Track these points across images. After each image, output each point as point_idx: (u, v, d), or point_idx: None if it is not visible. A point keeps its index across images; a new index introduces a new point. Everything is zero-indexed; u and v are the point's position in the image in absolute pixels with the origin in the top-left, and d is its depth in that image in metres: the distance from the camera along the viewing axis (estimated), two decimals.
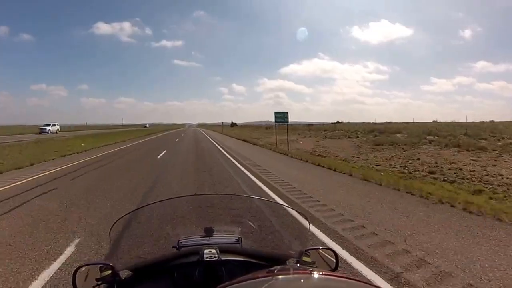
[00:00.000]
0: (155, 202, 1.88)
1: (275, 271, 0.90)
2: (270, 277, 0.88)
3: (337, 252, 1.41)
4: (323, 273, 0.93)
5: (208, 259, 1.23)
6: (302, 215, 2.54)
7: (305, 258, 1.34)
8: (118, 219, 1.53)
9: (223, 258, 1.25)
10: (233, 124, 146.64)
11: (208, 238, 1.43)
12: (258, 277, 0.90)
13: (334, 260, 1.39)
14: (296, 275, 0.90)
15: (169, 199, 1.79)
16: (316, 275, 0.91)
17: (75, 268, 1.23)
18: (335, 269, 1.36)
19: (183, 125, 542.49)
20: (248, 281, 0.90)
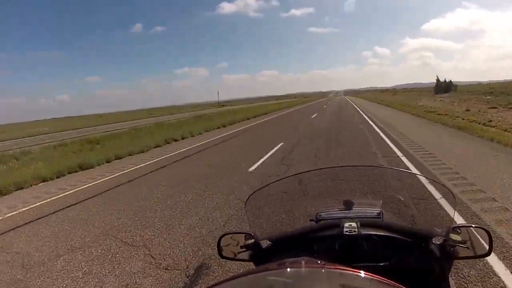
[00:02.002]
0: (291, 176, 1.76)
1: (286, 264, 0.89)
2: (281, 270, 0.88)
3: (491, 232, 1.19)
4: (337, 267, 0.89)
5: (348, 232, 1.21)
6: (446, 188, 2.13)
7: (454, 236, 1.18)
8: (255, 191, 1.57)
9: (363, 232, 1.22)
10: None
11: (347, 211, 1.39)
12: (269, 269, 0.91)
13: (487, 242, 1.18)
14: (308, 269, 0.87)
15: (307, 171, 1.80)
16: (328, 269, 0.87)
17: (220, 235, 1.35)
18: (487, 254, 1.17)
19: (328, 93, 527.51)
20: (260, 273, 0.92)
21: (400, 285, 0.83)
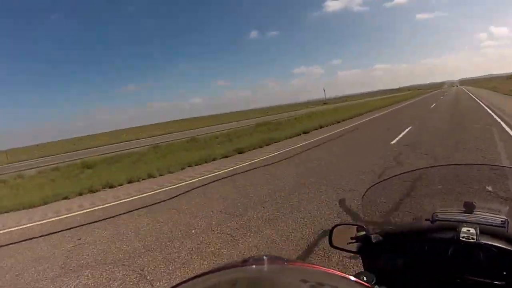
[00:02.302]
0: (410, 171, 1.79)
1: (250, 261, 0.90)
2: (244, 267, 0.89)
3: None
4: (299, 263, 0.94)
5: (464, 239, 1.10)
6: None
7: None
8: (372, 186, 1.59)
9: (482, 241, 1.09)
10: None
11: (467, 214, 1.25)
12: (232, 266, 0.92)
13: None
14: (270, 265, 0.88)
15: (427, 167, 1.83)
16: (290, 265, 0.91)
17: (333, 226, 1.39)
18: None
19: (442, 84, 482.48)
20: (223, 271, 0.91)
21: (362, 282, 0.85)
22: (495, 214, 1.26)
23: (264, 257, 0.91)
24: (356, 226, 1.36)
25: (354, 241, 1.33)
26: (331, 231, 1.39)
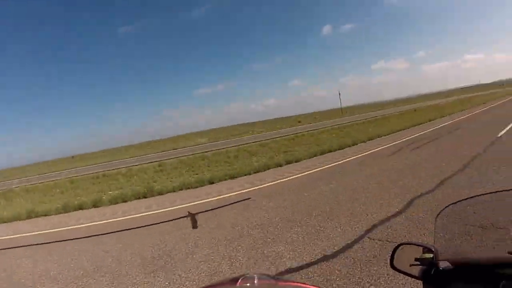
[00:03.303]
0: (499, 192, 1.47)
1: (240, 280, 0.90)
2: (234, 286, 0.89)
3: None
4: (291, 282, 0.92)
5: None
6: None
7: None
8: (449, 205, 1.45)
9: None
10: None
11: None
12: (223, 284, 0.93)
13: None
14: (260, 284, 0.89)
15: None
16: (282, 284, 0.92)
17: (397, 244, 1.30)
18: None
19: None
20: None
21: None
22: None
23: (255, 275, 0.93)
24: (422, 247, 1.24)
25: (418, 263, 1.21)
26: (394, 250, 1.30)
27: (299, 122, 72.04)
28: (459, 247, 1.56)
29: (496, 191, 1.48)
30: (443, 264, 1.16)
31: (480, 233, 1.57)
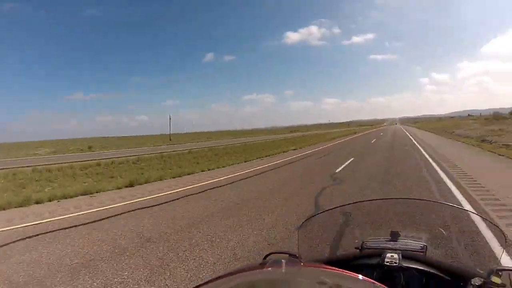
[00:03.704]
0: (343, 205, 1.82)
1: (267, 263, 0.95)
2: (262, 269, 0.93)
3: None
4: (315, 265, 1.00)
5: (388, 263, 1.25)
6: (498, 227, 2.18)
7: (495, 279, 1.16)
8: (308, 218, 1.69)
9: (404, 265, 1.25)
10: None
11: (392, 242, 1.43)
12: (251, 269, 0.97)
13: None
14: (288, 267, 0.93)
15: (358, 202, 1.89)
16: (307, 267, 0.96)
17: (265, 254, 1.35)
18: None
19: (384, 121, 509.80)
20: (243, 273, 0.97)
21: (378, 283, 0.89)
22: (416, 241, 1.47)
23: (283, 260, 0.98)
24: (288, 255, 1.28)
25: None
26: (263, 259, 1.33)
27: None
28: (320, 251, 1.83)
29: (343, 205, 1.86)
30: None
31: (334, 237, 1.98)
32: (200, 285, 0.90)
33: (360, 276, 0.93)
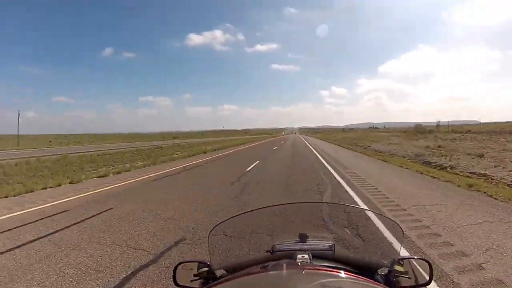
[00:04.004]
0: (253, 210, 1.85)
1: (269, 267, 0.99)
2: (263, 273, 0.97)
3: (431, 263, 1.36)
4: (315, 268, 1.00)
5: (300, 263, 1.27)
6: (395, 223, 2.23)
7: (398, 268, 1.30)
8: (217, 225, 1.67)
9: (315, 263, 1.29)
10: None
11: (301, 244, 1.48)
12: (252, 273, 1.00)
13: (428, 272, 1.34)
14: (289, 271, 0.97)
15: (267, 207, 1.90)
16: (309, 270, 0.98)
17: (176, 264, 1.40)
18: (427, 283, 1.33)
19: (283, 129, 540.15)
20: (242, 278, 0.99)
21: (378, 284, 0.96)
22: (324, 241, 1.53)
23: (283, 263, 1.00)
24: (198, 263, 1.40)
25: (197, 278, 1.36)
26: (174, 269, 1.39)
27: None
28: (232, 255, 1.95)
29: (252, 210, 1.84)
30: (219, 273, 1.36)
31: (244, 241, 1.99)
32: None
33: (361, 279, 0.97)
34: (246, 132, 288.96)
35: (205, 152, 28.76)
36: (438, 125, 72.29)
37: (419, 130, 58.74)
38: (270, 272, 0.99)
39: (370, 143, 36.36)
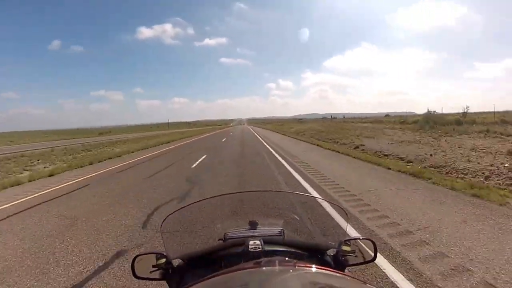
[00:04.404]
0: (203, 200, 1.90)
1: (261, 263, 1.01)
2: (256, 269, 0.99)
3: (375, 242, 1.45)
4: (308, 265, 1.02)
5: (252, 249, 1.34)
6: (341, 208, 2.66)
7: (345, 248, 1.39)
8: (169, 215, 1.67)
9: (266, 249, 1.35)
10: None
11: (252, 230, 1.54)
12: (244, 268, 1.01)
13: (372, 250, 1.45)
14: (281, 267, 0.99)
15: (217, 196, 1.95)
16: (300, 267, 1.00)
17: (134, 256, 1.39)
18: (373, 259, 1.45)
19: (231, 121, 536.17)
20: (236, 272, 1.00)
21: (368, 284, 0.98)
22: (274, 227, 1.60)
23: (276, 260, 1.04)
24: (156, 254, 1.39)
25: (156, 269, 1.37)
26: (132, 262, 1.38)
27: None
28: (187, 245, 2.01)
29: (202, 199, 1.89)
30: (176, 262, 1.40)
31: (197, 230, 2.10)
32: (193, 283, 0.98)
33: (350, 276, 0.99)
34: (194, 124, 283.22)
35: (110, 158, 19.15)
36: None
37: (434, 119, 36.87)
38: (263, 268, 1.01)
39: (357, 138, 23.85)
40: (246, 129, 78.53)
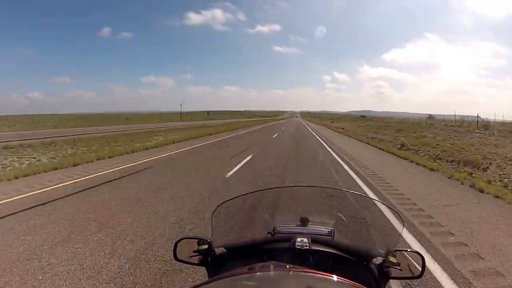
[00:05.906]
0: (257, 191, 1.99)
1: (256, 268, 0.99)
2: (249, 275, 0.97)
3: (424, 256, 1.33)
4: (304, 270, 0.99)
5: (299, 247, 1.32)
6: (396, 213, 2.42)
7: (392, 259, 1.31)
8: (221, 204, 1.68)
9: (313, 248, 1.33)
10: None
11: (302, 227, 1.51)
12: (239, 274, 0.99)
13: (420, 265, 1.33)
14: (276, 273, 0.96)
15: (272, 188, 2.15)
16: (296, 272, 0.97)
17: (177, 240, 1.42)
18: (419, 276, 1.33)
19: (284, 113, 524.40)
20: (230, 278, 0.98)
21: (362, 286, 0.96)
22: (324, 226, 1.55)
23: (271, 264, 0.99)
24: (197, 240, 1.41)
25: (196, 254, 1.38)
26: (175, 245, 1.40)
27: None
28: (233, 235, 2.00)
29: (256, 191, 2.11)
30: (218, 250, 1.40)
31: (247, 221, 2.25)
32: None
33: (347, 282, 0.97)
34: (241, 114, 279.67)
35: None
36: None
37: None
38: (257, 273, 0.98)
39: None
40: (300, 125, 63.22)
